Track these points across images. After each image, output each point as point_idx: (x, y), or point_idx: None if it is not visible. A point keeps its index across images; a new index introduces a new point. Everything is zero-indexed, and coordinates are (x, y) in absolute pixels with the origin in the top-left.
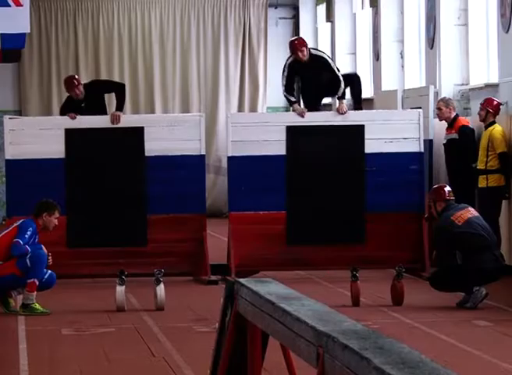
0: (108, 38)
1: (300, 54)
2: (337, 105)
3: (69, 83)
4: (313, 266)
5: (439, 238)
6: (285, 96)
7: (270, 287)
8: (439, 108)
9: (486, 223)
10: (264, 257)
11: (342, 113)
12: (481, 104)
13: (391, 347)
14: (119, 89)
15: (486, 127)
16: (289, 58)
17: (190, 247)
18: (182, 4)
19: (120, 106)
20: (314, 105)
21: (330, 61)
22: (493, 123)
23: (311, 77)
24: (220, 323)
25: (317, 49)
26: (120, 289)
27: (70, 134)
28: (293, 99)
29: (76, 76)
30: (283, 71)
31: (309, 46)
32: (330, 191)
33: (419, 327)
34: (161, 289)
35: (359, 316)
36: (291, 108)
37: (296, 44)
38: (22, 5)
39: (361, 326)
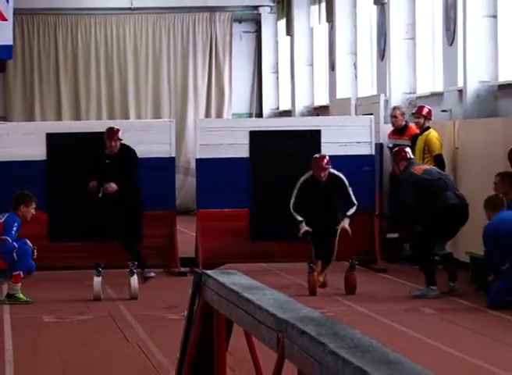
0: (86, 50)
1: (322, 174)
2: (344, 222)
3: (113, 133)
4: (274, 259)
5: (402, 189)
6: (292, 213)
7: (234, 279)
8: (395, 116)
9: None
10: (229, 251)
11: (342, 230)
12: (416, 113)
13: (345, 333)
14: (134, 171)
15: (422, 132)
16: (306, 174)
17: (161, 241)
18: (154, 19)
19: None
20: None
21: (347, 184)
22: (428, 128)
23: (322, 195)
24: (188, 311)
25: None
26: (97, 280)
27: (51, 138)
28: (299, 218)
29: (119, 131)
30: (295, 187)
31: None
32: (289, 190)
33: (371, 315)
34: (134, 280)
35: (315, 305)
36: (299, 225)
37: (322, 164)
38: (6, 20)
39: (318, 313)
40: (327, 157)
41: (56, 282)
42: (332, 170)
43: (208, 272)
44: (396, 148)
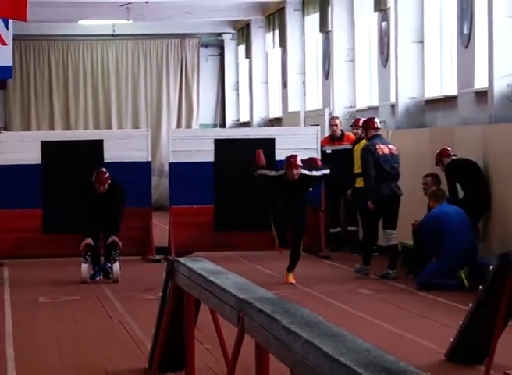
0: (75, 71)
1: (294, 171)
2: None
3: (102, 178)
4: (235, 248)
5: (364, 156)
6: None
7: (202, 265)
8: (335, 125)
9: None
10: (197, 241)
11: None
12: (353, 124)
13: (296, 311)
14: (119, 212)
15: (358, 141)
16: (279, 172)
17: (140, 233)
18: (132, 44)
19: (114, 229)
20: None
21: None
22: (363, 138)
23: (291, 192)
24: (163, 292)
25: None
26: (84, 266)
27: (45, 145)
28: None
29: (107, 174)
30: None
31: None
32: (248, 189)
33: (317, 295)
34: (116, 266)
35: (270, 287)
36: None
37: (294, 162)
38: (7, 44)
39: (272, 294)
40: (299, 157)
41: (49, 268)
42: (304, 171)
43: (179, 259)
44: (368, 117)
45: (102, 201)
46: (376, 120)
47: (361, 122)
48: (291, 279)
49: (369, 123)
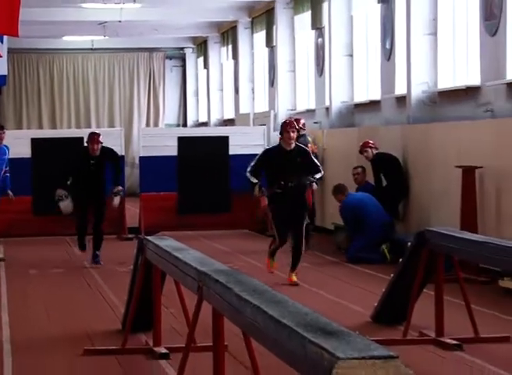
0: (60, 79)
1: (291, 134)
2: (312, 185)
3: (94, 138)
4: (196, 228)
5: None
6: (247, 176)
7: (167, 242)
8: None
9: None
10: (163, 222)
11: (311, 187)
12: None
13: (246, 281)
14: (120, 167)
15: (298, 138)
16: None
17: (115, 215)
18: (108, 56)
19: (119, 180)
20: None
21: (312, 155)
22: (303, 135)
23: (287, 163)
24: (134, 265)
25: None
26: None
27: (34, 142)
28: (254, 181)
29: (100, 136)
30: (258, 156)
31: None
32: (207, 179)
33: (264, 268)
34: (117, 199)
35: (225, 260)
36: (255, 188)
37: (291, 124)
38: (2, 56)
39: (226, 267)
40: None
41: (39, 245)
42: (297, 143)
43: (148, 237)
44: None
45: (95, 164)
46: (302, 121)
47: (301, 122)
48: (294, 278)
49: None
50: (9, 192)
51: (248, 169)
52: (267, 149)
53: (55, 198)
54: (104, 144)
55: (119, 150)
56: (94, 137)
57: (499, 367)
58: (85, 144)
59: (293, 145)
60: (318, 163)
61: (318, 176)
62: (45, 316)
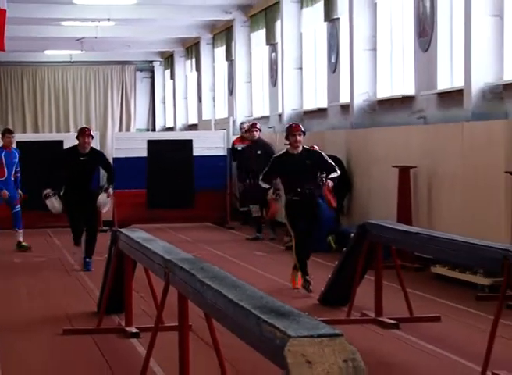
0: (42, 88)
1: (297, 137)
2: (328, 182)
3: (84, 131)
4: (163, 221)
5: None
6: (260, 184)
7: (138, 234)
8: (244, 128)
9: None
10: (134, 216)
11: (325, 186)
12: (249, 130)
13: (208, 268)
14: (112, 170)
15: (256, 142)
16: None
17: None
18: (85, 69)
19: (112, 181)
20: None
21: (324, 155)
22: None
23: (298, 168)
24: (108, 254)
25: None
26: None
27: (19, 145)
28: (267, 186)
29: (92, 131)
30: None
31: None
32: (173, 177)
33: (224, 256)
34: (103, 196)
35: (189, 250)
36: (268, 193)
37: (297, 128)
38: None
39: (190, 255)
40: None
41: (25, 236)
42: (306, 146)
43: (121, 230)
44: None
45: (85, 162)
46: (258, 125)
47: (258, 126)
48: (297, 282)
49: (253, 127)
50: (19, 191)
51: (260, 177)
52: (275, 156)
53: (42, 196)
54: None
55: None
56: (84, 130)
57: (430, 343)
58: (70, 146)
59: (300, 149)
60: (333, 163)
61: (333, 175)
62: (27, 299)
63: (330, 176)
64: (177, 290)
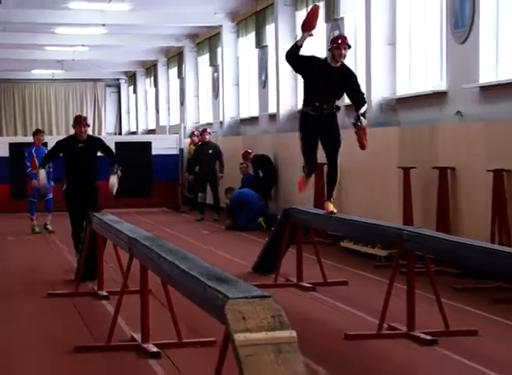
0: (30, 101)
1: (343, 51)
2: (361, 121)
3: (79, 120)
4: (128, 207)
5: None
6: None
7: (108, 217)
8: (195, 134)
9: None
10: (105, 203)
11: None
12: (202, 132)
13: (164, 244)
14: (113, 153)
15: (207, 144)
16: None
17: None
18: (65, 85)
19: (115, 169)
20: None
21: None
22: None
23: (331, 80)
24: (84, 233)
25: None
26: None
27: (11, 145)
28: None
29: (87, 119)
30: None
31: None
32: (136, 172)
33: (178, 235)
34: (113, 178)
35: (149, 229)
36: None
37: (343, 40)
38: None
39: (151, 234)
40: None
41: (15, 220)
42: (345, 63)
43: (94, 213)
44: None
45: (84, 149)
46: (208, 130)
47: (208, 131)
48: (331, 207)
49: (204, 132)
50: (52, 182)
51: (292, 47)
52: (314, 56)
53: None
54: None
55: None
56: (80, 119)
57: (340, 302)
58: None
59: (339, 64)
60: (363, 90)
61: (363, 110)
62: (17, 268)
63: (361, 112)
64: (139, 261)
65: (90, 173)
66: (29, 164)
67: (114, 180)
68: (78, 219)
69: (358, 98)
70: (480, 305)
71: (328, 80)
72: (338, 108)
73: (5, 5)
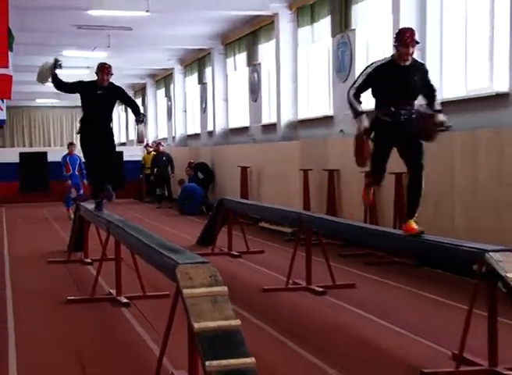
0: (34, 122)
1: (410, 49)
2: (439, 117)
3: (102, 67)
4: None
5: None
6: (350, 100)
7: (92, 206)
8: (150, 146)
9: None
10: (88, 195)
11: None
12: (157, 145)
13: (133, 225)
14: (134, 102)
15: (162, 155)
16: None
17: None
18: (60, 111)
19: (140, 111)
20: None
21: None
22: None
23: (402, 82)
24: (74, 218)
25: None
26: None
27: (21, 154)
28: (359, 109)
29: (111, 67)
30: (363, 72)
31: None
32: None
33: (142, 218)
34: (141, 127)
35: (121, 214)
36: (355, 116)
37: (411, 34)
38: (2, 110)
39: (123, 218)
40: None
41: (23, 208)
42: (415, 58)
43: (81, 203)
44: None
45: (103, 96)
46: (162, 143)
47: (162, 143)
48: (414, 226)
49: (159, 144)
50: (85, 181)
51: (351, 91)
52: (375, 68)
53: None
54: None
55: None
56: (103, 67)
57: (260, 266)
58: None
59: (408, 62)
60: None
61: (439, 107)
62: (26, 241)
63: (437, 108)
64: (114, 237)
65: (106, 123)
66: (64, 168)
67: (141, 128)
68: (95, 167)
69: (431, 94)
70: (357, 266)
71: (400, 81)
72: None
73: (16, 52)
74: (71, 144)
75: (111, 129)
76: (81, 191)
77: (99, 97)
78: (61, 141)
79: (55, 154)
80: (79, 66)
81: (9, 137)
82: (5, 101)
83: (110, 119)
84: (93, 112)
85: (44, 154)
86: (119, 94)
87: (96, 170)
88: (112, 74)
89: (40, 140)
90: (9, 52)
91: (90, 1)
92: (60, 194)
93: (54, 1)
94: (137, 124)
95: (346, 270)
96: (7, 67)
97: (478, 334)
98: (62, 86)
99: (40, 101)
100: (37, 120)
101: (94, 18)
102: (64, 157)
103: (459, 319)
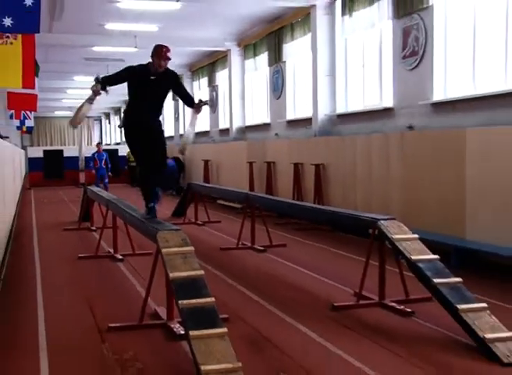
0: (54, 129)
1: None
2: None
3: (160, 51)
4: (110, 183)
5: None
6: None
7: (96, 189)
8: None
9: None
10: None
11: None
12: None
13: (124, 202)
14: (189, 94)
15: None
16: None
17: (75, 175)
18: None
19: (193, 101)
20: None
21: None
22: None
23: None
24: (82, 198)
25: None
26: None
27: (44, 151)
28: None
29: (170, 51)
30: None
31: None
32: (113, 164)
33: (131, 197)
34: (189, 131)
35: (117, 195)
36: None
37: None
38: (30, 119)
39: (116, 196)
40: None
41: (47, 191)
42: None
43: (88, 186)
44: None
45: (155, 82)
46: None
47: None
48: None
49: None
50: (109, 173)
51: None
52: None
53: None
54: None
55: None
56: (161, 50)
57: (217, 232)
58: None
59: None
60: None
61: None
62: (48, 215)
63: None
64: (112, 211)
65: (156, 114)
66: (92, 162)
67: (192, 125)
68: (145, 167)
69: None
70: (288, 231)
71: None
72: None
73: (41, 77)
74: (99, 144)
75: (160, 124)
76: (106, 180)
77: (151, 83)
78: (73, 142)
79: (69, 151)
80: (85, 87)
81: (36, 139)
82: (32, 113)
83: (160, 112)
84: (141, 102)
85: (61, 151)
86: (173, 82)
87: (147, 178)
88: (169, 59)
89: (58, 141)
90: (36, 78)
91: (95, 40)
92: (72, 180)
93: (68, 40)
94: (196, 111)
95: (280, 234)
96: (34, 88)
97: (372, 278)
98: (113, 84)
99: (58, 113)
100: (56, 127)
101: (97, 52)
102: (93, 154)
103: (359, 268)
